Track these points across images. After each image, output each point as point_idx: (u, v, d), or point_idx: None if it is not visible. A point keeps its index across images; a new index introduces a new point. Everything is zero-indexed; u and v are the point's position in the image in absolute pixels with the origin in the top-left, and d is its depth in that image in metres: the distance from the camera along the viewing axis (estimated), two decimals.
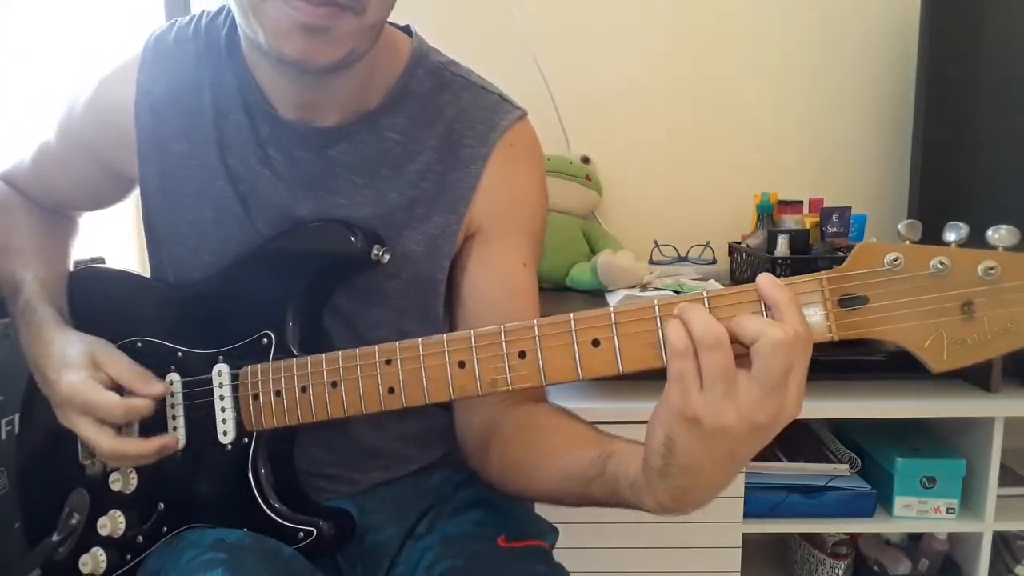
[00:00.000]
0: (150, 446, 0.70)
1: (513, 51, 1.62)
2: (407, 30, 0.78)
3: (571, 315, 0.57)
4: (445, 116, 0.74)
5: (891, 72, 1.65)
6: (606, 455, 0.59)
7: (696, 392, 0.49)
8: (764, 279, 0.51)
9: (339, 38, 0.61)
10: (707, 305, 0.53)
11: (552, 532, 0.80)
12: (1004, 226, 0.49)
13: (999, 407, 1.27)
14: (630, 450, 0.58)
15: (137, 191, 0.84)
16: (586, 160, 1.66)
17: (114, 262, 1.00)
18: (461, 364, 0.61)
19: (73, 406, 0.70)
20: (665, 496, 0.53)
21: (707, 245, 1.62)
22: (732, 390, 0.48)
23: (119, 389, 0.71)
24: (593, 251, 1.55)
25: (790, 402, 0.49)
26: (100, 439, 0.70)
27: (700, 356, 0.49)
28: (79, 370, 0.71)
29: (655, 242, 1.64)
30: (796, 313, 0.49)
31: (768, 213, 1.52)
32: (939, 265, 0.49)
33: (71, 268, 0.85)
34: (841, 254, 1.33)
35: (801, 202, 1.50)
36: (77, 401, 0.70)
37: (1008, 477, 1.38)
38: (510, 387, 0.59)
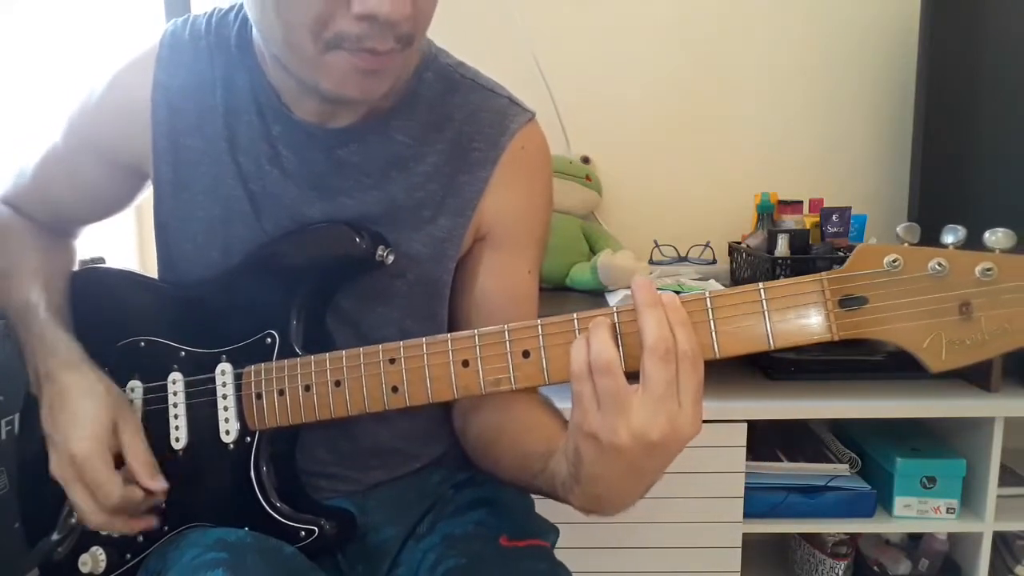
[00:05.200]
0: (136, 526, 0.70)
1: (513, 51, 1.62)
2: None
3: (575, 315, 0.57)
4: (454, 120, 0.74)
5: (891, 72, 1.65)
6: (550, 452, 0.61)
7: (594, 411, 0.52)
8: (639, 283, 0.52)
9: (391, 72, 0.64)
10: (709, 305, 0.54)
11: (553, 531, 0.81)
12: (1001, 229, 0.50)
13: (999, 407, 1.27)
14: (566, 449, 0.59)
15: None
16: (586, 160, 1.66)
17: (114, 262, 1.00)
18: (465, 363, 0.61)
19: (75, 470, 0.68)
20: (584, 499, 0.57)
21: (707, 245, 1.62)
22: (624, 411, 0.50)
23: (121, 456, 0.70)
24: (593, 251, 1.55)
25: (685, 419, 0.51)
26: (89, 511, 0.68)
27: (594, 379, 0.51)
28: (94, 439, 0.68)
29: (655, 242, 1.64)
30: (660, 323, 0.51)
31: (768, 213, 1.52)
32: (937, 267, 0.50)
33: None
34: (841, 254, 1.33)
35: (801, 202, 1.50)
36: (82, 472, 0.67)
37: (1008, 477, 1.38)
38: (513, 386, 0.60)
